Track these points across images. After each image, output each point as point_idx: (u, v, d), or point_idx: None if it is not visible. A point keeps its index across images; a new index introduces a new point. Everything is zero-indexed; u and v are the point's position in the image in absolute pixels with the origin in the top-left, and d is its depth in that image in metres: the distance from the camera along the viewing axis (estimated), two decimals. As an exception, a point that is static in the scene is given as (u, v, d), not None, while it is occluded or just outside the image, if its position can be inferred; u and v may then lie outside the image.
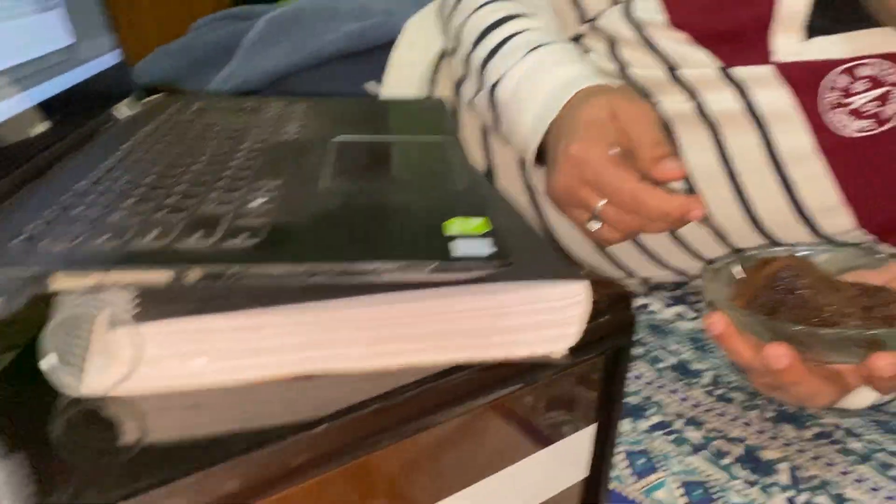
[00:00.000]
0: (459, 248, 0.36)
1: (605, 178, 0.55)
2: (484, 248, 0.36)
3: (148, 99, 0.66)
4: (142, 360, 0.33)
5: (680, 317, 0.80)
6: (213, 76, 1.01)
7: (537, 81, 0.64)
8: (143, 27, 2.34)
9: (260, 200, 0.40)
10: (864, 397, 0.61)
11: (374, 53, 0.94)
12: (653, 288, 0.86)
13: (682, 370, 0.68)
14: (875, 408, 0.66)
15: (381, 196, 0.43)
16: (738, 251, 0.56)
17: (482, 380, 0.39)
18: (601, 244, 0.60)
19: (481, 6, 0.72)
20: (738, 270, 0.54)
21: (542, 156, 0.64)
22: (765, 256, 0.54)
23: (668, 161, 0.54)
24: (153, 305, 0.34)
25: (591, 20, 0.78)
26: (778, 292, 0.49)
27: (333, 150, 0.51)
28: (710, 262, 0.56)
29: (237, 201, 0.40)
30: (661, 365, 0.69)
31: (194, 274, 0.33)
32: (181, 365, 0.34)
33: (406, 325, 0.36)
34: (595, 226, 0.57)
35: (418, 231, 0.38)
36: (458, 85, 0.84)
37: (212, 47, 1.06)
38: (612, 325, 0.45)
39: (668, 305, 0.82)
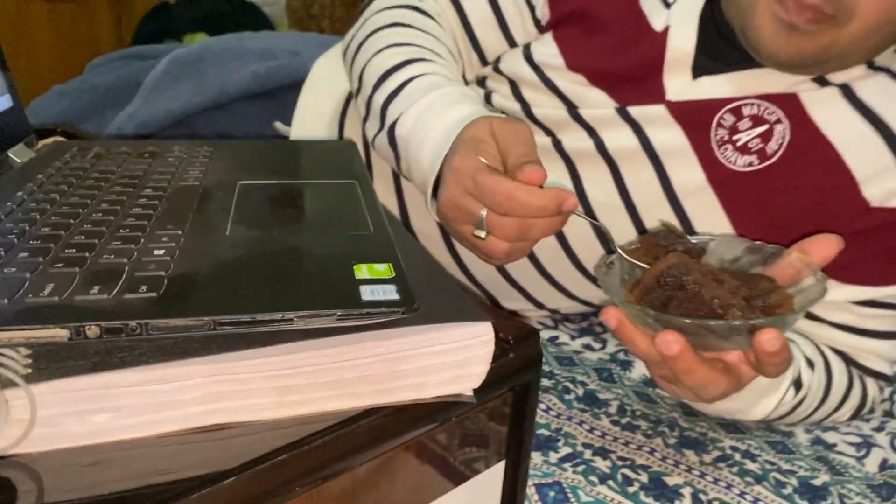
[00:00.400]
0: (366, 294, 0.36)
1: (482, 183, 0.55)
2: (390, 293, 0.37)
3: (43, 142, 0.64)
4: (36, 420, 0.32)
5: (587, 347, 0.83)
6: (113, 117, 0.99)
7: (433, 120, 0.65)
8: (39, 64, 2.26)
9: (161, 250, 0.40)
10: (759, 409, 0.65)
11: (281, 94, 0.94)
12: (561, 320, 0.88)
13: (590, 400, 0.70)
14: (767, 426, 0.70)
15: (288, 242, 0.43)
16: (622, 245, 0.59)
17: (392, 423, 0.39)
18: (492, 260, 0.60)
19: (383, 49, 0.74)
20: (628, 264, 0.57)
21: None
22: (651, 241, 0.58)
23: (530, 165, 0.55)
24: (52, 362, 0.33)
25: (495, 62, 0.80)
26: (667, 289, 0.52)
27: (239, 195, 0.51)
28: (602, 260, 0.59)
29: (138, 252, 0.40)
30: (569, 396, 0.70)
31: (93, 330, 0.32)
32: (82, 423, 0.33)
33: (314, 372, 0.36)
34: (481, 234, 0.57)
35: (325, 278, 0.38)
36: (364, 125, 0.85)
37: (112, 87, 1.03)
38: (520, 362, 0.47)
39: (575, 337, 0.84)
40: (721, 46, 0.69)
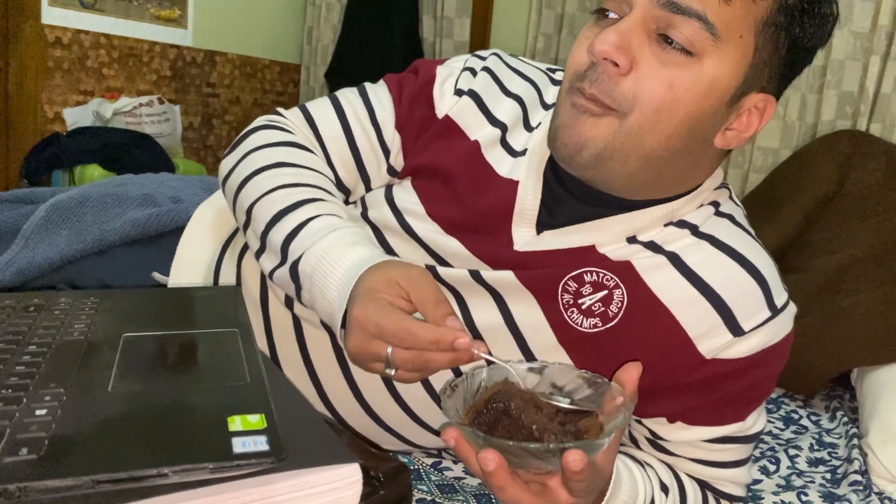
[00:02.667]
0: (237, 447, 0.40)
1: (384, 325, 0.61)
2: (261, 444, 0.40)
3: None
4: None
5: (469, 472, 0.87)
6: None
7: (335, 260, 0.69)
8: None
9: (43, 410, 0.42)
10: None
11: (161, 239, 0.96)
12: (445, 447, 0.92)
13: (469, 527, 0.74)
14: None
15: (168, 396, 0.46)
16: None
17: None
18: (404, 383, 0.65)
19: (273, 190, 0.77)
20: (472, 387, 0.64)
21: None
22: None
23: (451, 318, 0.62)
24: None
25: (363, 210, 0.84)
26: (494, 412, 0.59)
27: (122, 348, 0.53)
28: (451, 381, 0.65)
29: (20, 412, 0.42)
30: (449, 524, 0.74)
31: (-27, 495, 0.34)
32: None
33: (188, 522, 0.39)
34: (391, 372, 0.63)
35: (200, 431, 0.42)
36: (240, 259, 0.88)
37: (-11, 231, 1.02)
38: (390, 499, 0.51)
39: (457, 461, 0.88)
40: (561, 197, 0.76)
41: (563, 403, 0.64)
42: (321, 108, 0.87)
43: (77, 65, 2.84)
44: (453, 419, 0.59)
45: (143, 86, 3.05)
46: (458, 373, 0.76)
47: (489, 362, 0.63)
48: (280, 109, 0.88)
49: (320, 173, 0.81)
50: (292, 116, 0.87)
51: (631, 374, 0.64)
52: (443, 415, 0.81)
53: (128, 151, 2.54)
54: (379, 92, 0.87)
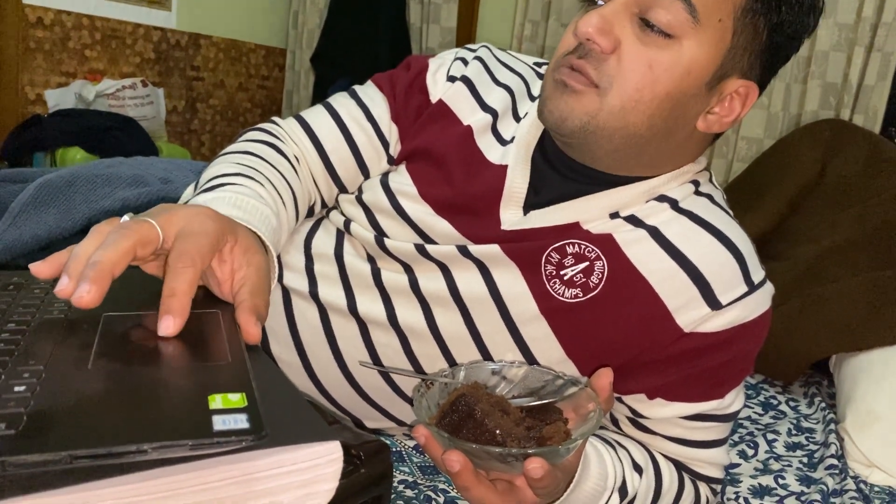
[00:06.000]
0: (218, 424, 0.40)
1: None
2: (241, 422, 0.40)
3: None
4: None
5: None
6: (-23, 242, 0.98)
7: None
8: None
9: (22, 386, 0.42)
10: None
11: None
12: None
13: (450, 508, 0.74)
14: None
15: (148, 374, 0.46)
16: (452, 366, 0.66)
17: (245, 542, 0.42)
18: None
19: (224, 164, 0.76)
20: (444, 388, 0.65)
21: None
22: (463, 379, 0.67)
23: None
24: None
25: (358, 193, 0.86)
26: (460, 415, 0.60)
27: (102, 327, 0.53)
28: (426, 378, 0.66)
29: (-2, 389, 0.42)
30: (430, 505, 0.74)
31: (-51, 469, 0.34)
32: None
33: (169, 497, 0.39)
34: None
35: (181, 409, 0.42)
36: None
37: (-24, 211, 1.02)
38: (370, 477, 0.51)
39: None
40: (548, 176, 0.79)
41: (530, 402, 0.65)
42: (315, 113, 0.88)
43: (59, 46, 2.81)
44: (422, 418, 0.60)
45: (126, 68, 3.02)
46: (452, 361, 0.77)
47: (448, 355, 0.63)
48: (275, 118, 0.89)
49: (277, 171, 0.79)
50: (286, 124, 0.88)
51: (603, 380, 0.65)
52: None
53: (111, 134, 2.52)
54: (368, 91, 0.89)
